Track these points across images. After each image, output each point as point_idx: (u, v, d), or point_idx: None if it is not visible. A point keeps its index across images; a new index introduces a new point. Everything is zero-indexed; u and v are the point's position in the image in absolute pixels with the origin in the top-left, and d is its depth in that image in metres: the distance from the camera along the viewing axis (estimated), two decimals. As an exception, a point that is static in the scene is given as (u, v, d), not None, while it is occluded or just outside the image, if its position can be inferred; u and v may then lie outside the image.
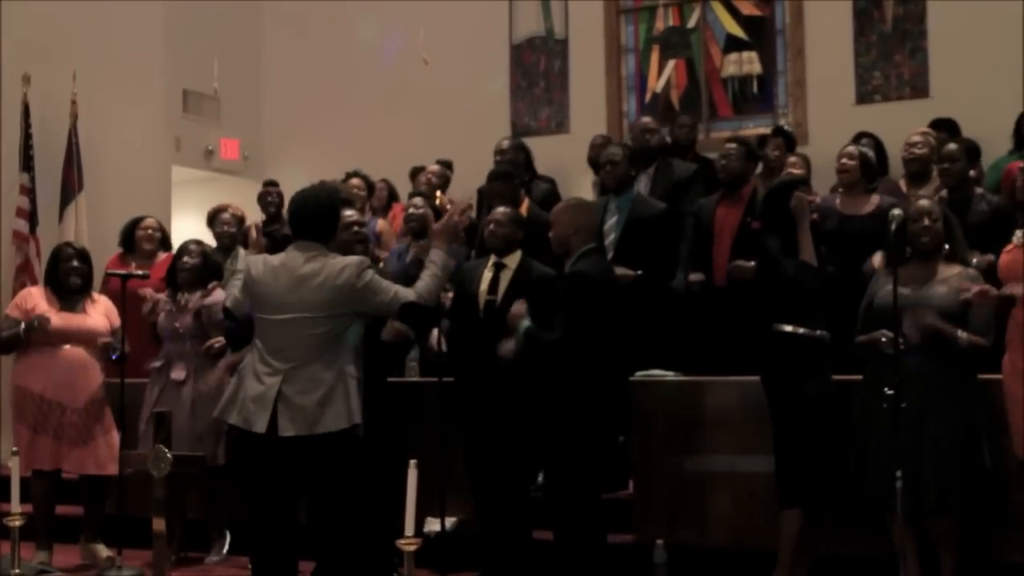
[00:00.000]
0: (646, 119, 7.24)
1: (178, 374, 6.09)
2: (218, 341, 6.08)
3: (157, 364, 6.18)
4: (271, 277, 4.53)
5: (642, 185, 6.80)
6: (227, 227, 7.28)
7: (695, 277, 6.37)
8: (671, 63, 9.25)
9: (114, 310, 6.21)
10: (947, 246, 4.81)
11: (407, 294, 4.51)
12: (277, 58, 10.55)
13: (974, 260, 4.94)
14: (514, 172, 6.66)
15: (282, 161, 10.10)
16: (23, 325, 5.93)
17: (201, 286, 6.19)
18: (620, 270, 5.86)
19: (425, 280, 4.58)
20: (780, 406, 4.85)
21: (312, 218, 4.57)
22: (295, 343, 4.41)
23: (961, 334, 4.61)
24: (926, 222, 4.75)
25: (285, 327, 4.43)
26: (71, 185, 8.63)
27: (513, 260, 5.50)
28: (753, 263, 5.65)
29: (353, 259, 4.53)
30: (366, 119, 9.85)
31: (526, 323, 5.04)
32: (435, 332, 5.74)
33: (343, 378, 4.44)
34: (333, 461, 4.39)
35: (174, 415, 5.93)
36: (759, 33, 8.99)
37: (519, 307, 5.12)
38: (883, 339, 4.63)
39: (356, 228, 5.46)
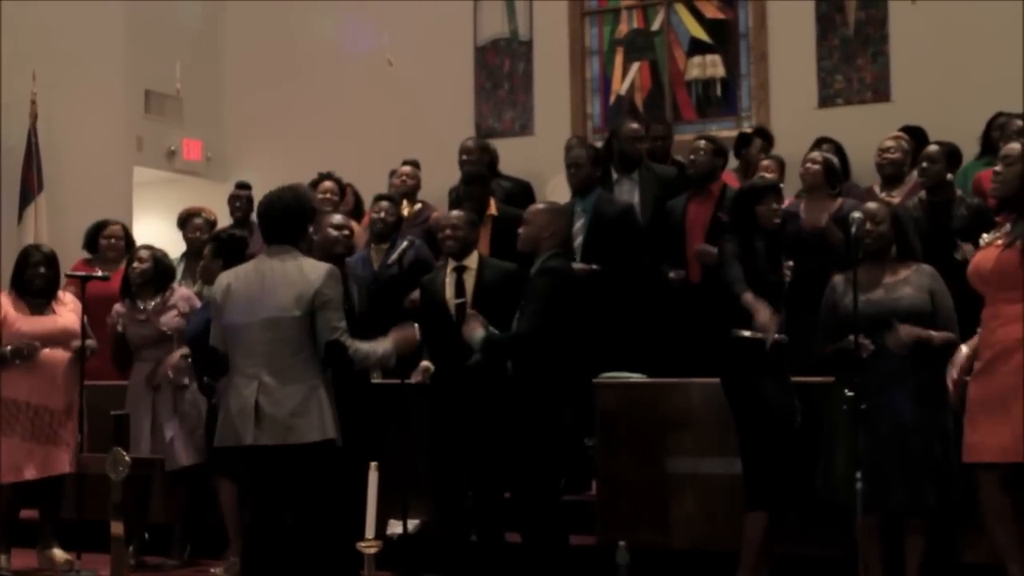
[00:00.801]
0: (634, 126, 7.18)
1: (179, 378, 6.05)
2: (183, 353, 6.04)
3: (144, 377, 6.12)
4: (244, 284, 4.51)
5: (626, 190, 6.80)
6: (199, 232, 7.23)
7: (675, 275, 6.38)
8: (635, 66, 9.26)
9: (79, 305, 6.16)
10: (894, 249, 4.85)
11: (344, 336, 4.45)
12: (240, 59, 10.48)
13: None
14: (486, 175, 6.68)
15: (245, 162, 10.04)
16: (8, 350, 5.86)
17: (155, 291, 6.15)
18: (578, 266, 5.89)
19: (367, 347, 4.54)
20: (740, 410, 4.87)
21: (281, 220, 4.55)
22: (268, 346, 4.39)
23: (935, 335, 4.66)
24: (868, 226, 4.79)
25: (258, 330, 4.41)
26: (31, 186, 8.57)
27: (472, 261, 5.53)
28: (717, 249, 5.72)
29: (328, 265, 4.54)
30: (329, 120, 9.81)
31: (480, 333, 5.05)
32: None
33: (317, 388, 4.42)
34: (307, 472, 4.38)
35: (143, 420, 5.95)
36: (723, 36, 9.02)
37: (474, 323, 5.12)
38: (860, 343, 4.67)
39: (345, 232, 5.48)
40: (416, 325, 4.99)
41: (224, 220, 8.00)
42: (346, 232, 5.52)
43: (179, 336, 6.06)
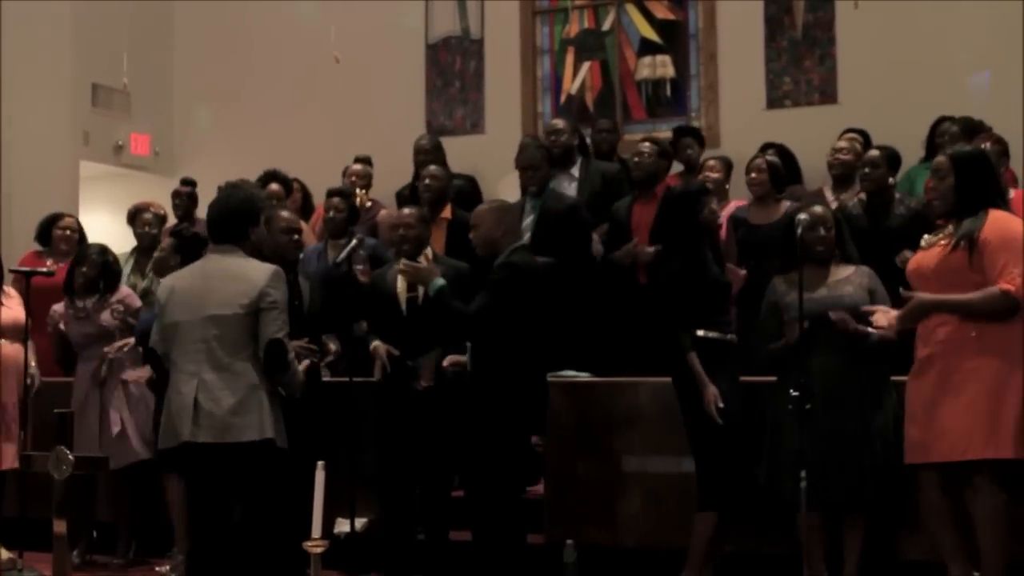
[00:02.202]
0: (556, 120, 7.30)
1: (130, 374, 6.00)
2: (126, 344, 5.99)
3: (89, 373, 6.06)
4: (187, 283, 4.49)
5: (565, 184, 6.83)
6: (148, 227, 7.19)
7: (623, 250, 6.40)
8: (586, 65, 9.28)
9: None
10: (839, 252, 4.92)
11: (285, 339, 4.42)
12: (189, 53, 10.39)
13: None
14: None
15: (194, 158, 9.96)
16: None
17: (95, 292, 6.11)
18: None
19: (285, 318, 4.50)
20: (691, 410, 4.90)
21: (228, 220, 4.52)
22: (209, 344, 4.35)
23: (871, 331, 4.70)
24: (821, 232, 4.84)
25: (199, 327, 4.37)
26: (-26, 179, 8.44)
27: (424, 259, 5.53)
28: (652, 248, 5.77)
29: (272, 266, 4.50)
30: (279, 117, 9.75)
31: (440, 281, 5.07)
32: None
33: (257, 388, 4.37)
34: (246, 471, 4.35)
35: (91, 417, 5.90)
36: (673, 37, 9.07)
37: (428, 267, 5.16)
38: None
39: (296, 236, 5.46)
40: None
41: (172, 216, 7.95)
42: (296, 236, 5.51)
43: (119, 333, 6.02)
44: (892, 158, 6.50)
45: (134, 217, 7.36)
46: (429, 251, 5.59)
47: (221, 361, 4.34)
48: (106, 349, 6.02)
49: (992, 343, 4.24)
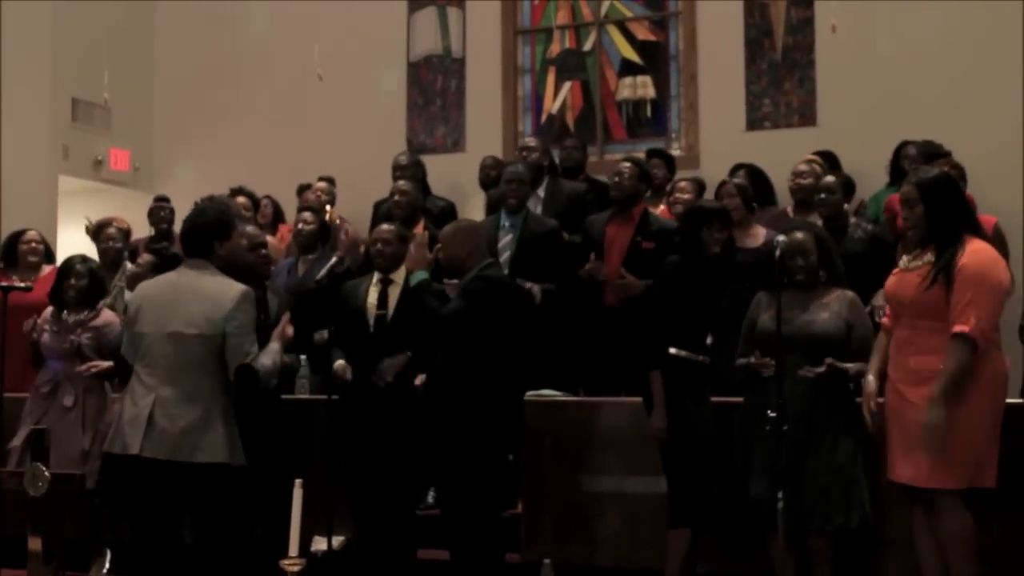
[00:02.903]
0: (528, 138, 7.35)
1: (67, 400, 5.95)
2: (101, 365, 5.94)
3: (45, 389, 6.03)
4: (158, 294, 4.48)
5: (531, 204, 6.85)
6: (113, 242, 7.15)
7: (591, 265, 6.41)
8: (567, 85, 9.33)
9: None
10: (824, 273, 4.93)
11: (254, 359, 4.42)
12: (169, 69, 10.39)
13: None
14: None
15: (173, 173, 9.96)
16: None
17: (87, 305, 6.07)
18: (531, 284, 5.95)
19: (268, 362, 4.50)
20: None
21: (196, 234, 4.53)
22: (171, 360, 4.35)
23: (849, 366, 4.73)
24: (799, 261, 4.85)
25: (163, 342, 4.37)
26: (-47, 194, 8.41)
27: (399, 275, 5.56)
28: (642, 282, 5.77)
29: (241, 287, 4.49)
30: (260, 133, 9.76)
31: (423, 274, 5.09)
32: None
33: (213, 410, 4.36)
34: (195, 491, 4.32)
35: (65, 438, 5.84)
36: (653, 58, 9.12)
37: (422, 253, 5.16)
38: (760, 365, 4.76)
39: (263, 251, 5.46)
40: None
41: (142, 231, 7.94)
42: (263, 251, 5.52)
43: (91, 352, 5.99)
44: (847, 184, 6.57)
45: (97, 233, 7.33)
46: (403, 271, 5.58)
47: (180, 378, 4.33)
48: (80, 369, 5.96)
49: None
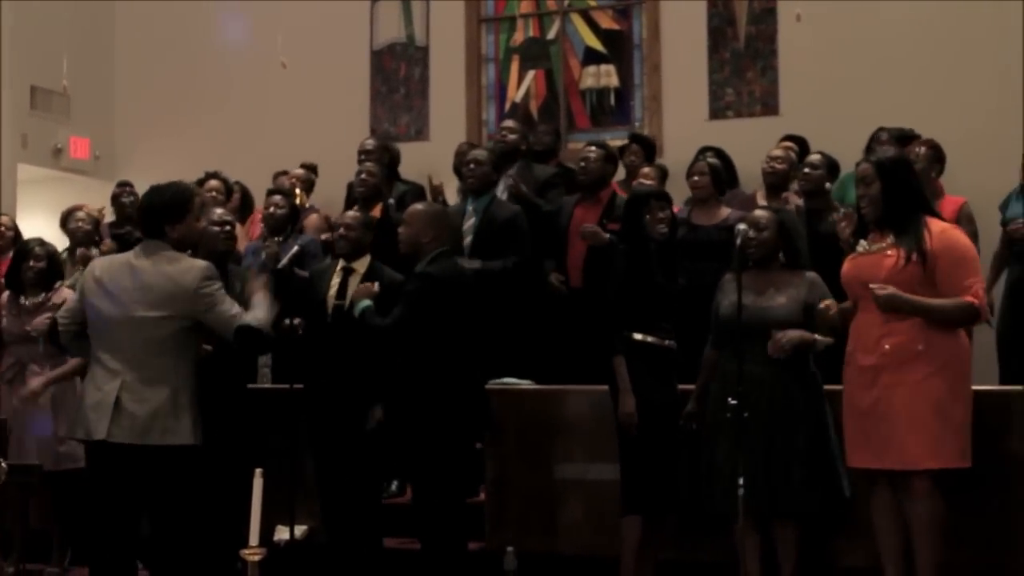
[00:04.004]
0: (508, 120, 7.35)
1: (35, 383, 5.90)
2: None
3: (9, 375, 5.97)
4: (114, 276, 4.44)
5: (501, 188, 6.84)
6: (82, 223, 7.11)
7: (556, 279, 6.43)
8: (531, 74, 9.32)
9: None
10: (781, 255, 4.95)
11: (243, 317, 4.43)
12: (130, 56, 10.30)
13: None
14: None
15: (134, 161, 9.87)
16: None
17: (44, 288, 6.02)
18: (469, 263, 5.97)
19: (262, 308, 4.51)
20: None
21: (157, 216, 4.49)
22: (135, 344, 4.33)
23: (818, 338, 4.76)
24: (752, 233, 4.88)
25: (126, 327, 4.35)
26: (-91, 181, 8.30)
27: (362, 264, 5.53)
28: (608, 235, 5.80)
29: (200, 263, 4.46)
30: (222, 121, 9.69)
31: (365, 303, 5.13)
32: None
33: (179, 393, 4.36)
34: (164, 475, 4.31)
35: (35, 423, 5.80)
36: (617, 47, 9.13)
37: (364, 287, 5.19)
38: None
39: (228, 227, 5.44)
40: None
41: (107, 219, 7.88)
42: (228, 228, 5.49)
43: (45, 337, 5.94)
44: (832, 165, 6.60)
45: (67, 219, 7.28)
46: (367, 259, 5.57)
47: (146, 362, 4.32)
48: (47, 377, 5.91)
49: (937, 357, 4.33)
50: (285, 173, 8.28)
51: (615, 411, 4.95)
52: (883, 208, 4.45)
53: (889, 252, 4.42)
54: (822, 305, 4.67)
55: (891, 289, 4.33)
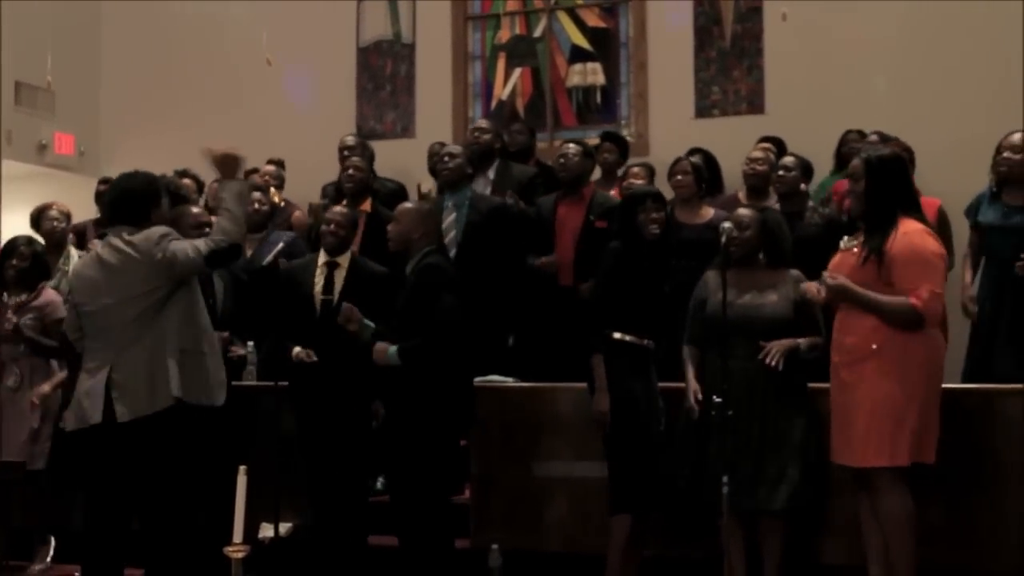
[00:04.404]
0: (480, 120, 7.36)
1: (11, 381, 5.88)
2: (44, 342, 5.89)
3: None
4: (89, 269, 4.48)
5: (481, 186, 6.85)
6: (56, 223, 7.07)
7: (543, 261, 6.42)
8: (517, 71, 9.32)
9: None
10: (762, 255, 4.97)
11: (205, 244, 4.43)
12: (116, 51, 10.26)
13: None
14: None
15: (119, 157, 9.79)
16: None
17: (28, 288, 6.00)
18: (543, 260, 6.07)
19: (220, 222, 4.52)
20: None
21: (124, 204, 4.51)
22: (117, 330, 4.37)
23: (802, 341, 4.79)
24: (735, 232, 4.90)
25: (105, 315, 4.38)
26: None
27: (345, 259, 5.56)
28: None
29: (153, 232, 4.44)
30: (207, 117, 9.64)
31: (392, 349, 5.02)
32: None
33: (166, 355, 4.38)
34: (164, 438, 4.34)
35: (13, 420, 5.79)
36: (603, 45, 9.13)
37: (350, 310, 5.12)
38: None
39: (206, 229, 5.42)
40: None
41: (88, 216, 7.86)
42: (206, 229, 5.47)
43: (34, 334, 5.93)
44: (806, 167, 6.63)
45: (38, 217, 7.23)
46: (349, 254, 5.62)
47: (132, 340, 4.37)
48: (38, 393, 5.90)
49: (891, 356, 4.35)
50: (256, 171, 8.28)
51: (592, 407, 4.96)
52: (865, 205, 4.48)
53: (855, 250, 4.47)
54: (803, 287, 4.72)
55: (842, 280, 4.38)
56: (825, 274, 4.46)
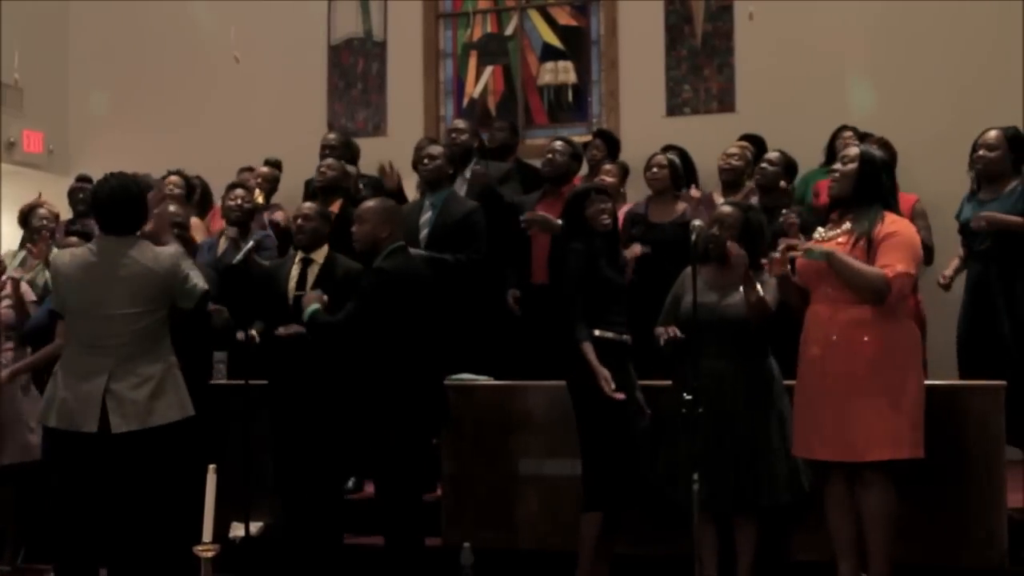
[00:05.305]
0: (457, 120, 7.35)
1: (3, 373, 5.84)
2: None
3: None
4: (83, 272, 4.43)
5: (457, 185, 6.84)
6: (47, 222, 7.04)
7: (512, 296, 6.44)
8: (488, 69, 9.32)
9: None
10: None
11: (204, 284, 4.60)
12: (84, 49, 10.19)
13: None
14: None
15: (88, 155, 9.77)
16: None
17: None
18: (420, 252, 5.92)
19: (198, 271, 4.65)
20: (583, 410, 4.93)
21: (121, 209, 4.47)
22: (118, 338, 4.35)
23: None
24: (715, 230, 4.92)
25: (105, 322, 4.35)
26: None
27: (320, 255, 5.56)
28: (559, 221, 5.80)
29: (171, 249, 4.54)
30: (177, 115, 9.62)
31: (314, 306, 5.14)
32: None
33: (171, 370, 4.45)
34: (167, 454, 4.36)
35: (29, 409, 5.75)
36: (575, 43, 9.14)
37: (313, 294, 5.20)
38: (662, 338, 4.84)
39: (179, 230, 5.43)
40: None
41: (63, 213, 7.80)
42: (179, 230, 5.48)
43: (3, 327, 5.90)
44: (790, 165, 6.65)
45: (27, 215, 7.19)
46: (324, 250, 5.58)
47: (135, 351, 4.39)
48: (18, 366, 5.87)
49: (883, 347, 4.37)
50: (251, 169, 8.26)
51: (574, 404, 4.96)
52: (853, 187, 4.50)
53: (841, 239, 4.48)
54: (697, 223, 4.77)
55: (830, 248, 4.41)
56: (807, 243, 4.48)
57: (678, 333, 4.87)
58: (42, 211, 7.11)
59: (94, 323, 4.39)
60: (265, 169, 8.11)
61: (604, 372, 4.77)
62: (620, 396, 4.76)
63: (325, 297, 5.20)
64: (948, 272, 5.89)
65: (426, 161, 6.49)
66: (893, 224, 4.43)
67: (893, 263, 4.34)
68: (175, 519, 4.67)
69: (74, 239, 5.98)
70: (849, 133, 6.90)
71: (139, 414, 4.32)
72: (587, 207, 5.00)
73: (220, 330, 5.55)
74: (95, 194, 4.60)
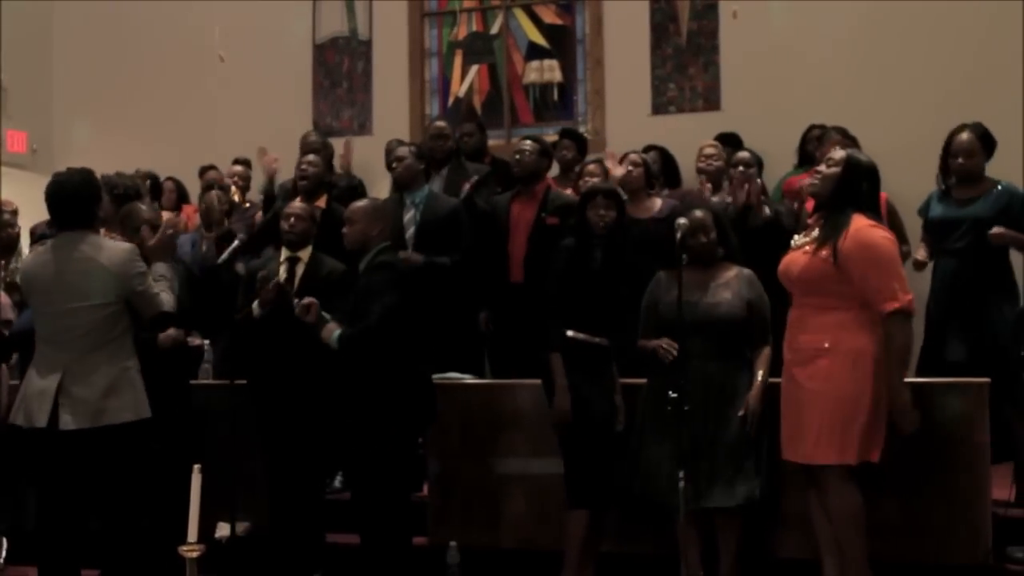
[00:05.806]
0: (439, 124, 7.33)
1: None
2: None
3: None
4: (40, 267, 4.44)
5: (435, 185, 6.84)
6: (11, 228, 7.00)
7: (484, 320, 6.51)
8: (474, 68, 9.32)
9: None
10: (722, 250, 5.00)
11: (167, 303, 4.55)
12: (68, 48, 10.17)
13: None
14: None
15: (72, 155, 9.65)
16: None
17: None
18: (404, 254, 5.92)
19: (169, 294, 4.63)
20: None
21: (64, 205, 4.49)
22: (73, 333, 4.34)
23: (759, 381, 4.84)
24: (701, 238, 4.93)
25: (62, 317, 4.35)
26: None
27: (306, 254, 5.57)
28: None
29: (127, 245, 4.54)
30: (163, 114, 9.61)
31: (336, 332, 4.98)
32: None
33: (127, 370, 4.42)
34: (118, 454, 4.33)
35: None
36: (560, 42, 9.15)
37: (309, 303, 5.07)
38: (662, 348, 4.82)
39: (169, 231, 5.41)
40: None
41: (40, 214, 7.76)
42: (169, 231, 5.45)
43: None
44: (759, 162, 6.68)
45: None
46: (309, 249, 5.60)
47: (89, 347, 4.37)
48: None
49: (843, 354, 4.37)
50: (213, 168, 8.24)
51: (549, 407, 4.97)
52: (830, 191, 4.49)
53: (806, 248, 4.49)
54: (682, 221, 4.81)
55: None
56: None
57: (673, 346, 4.86)
58: (6, 216, 7.04)
59: (51, 318, 4.42)
60: (238, 168, 8.09)
61: (563, 384, 4.79)
62: (565, 413, 4.82)
63: (316, 302, 5.13)
64: (922, 255, 5.90)
65: (394, 165, 6.52)
66: (857, 234, 4.34)
67: (890, 289, 4.30)
68: (159, 519, 4.68)
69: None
70: (838, 137, 6.90)
71: (90, 413, 4.31)
72: (589, 208, 5.01)
73: (166, 351, 5.26)
74: (46, 192, 4.61)
